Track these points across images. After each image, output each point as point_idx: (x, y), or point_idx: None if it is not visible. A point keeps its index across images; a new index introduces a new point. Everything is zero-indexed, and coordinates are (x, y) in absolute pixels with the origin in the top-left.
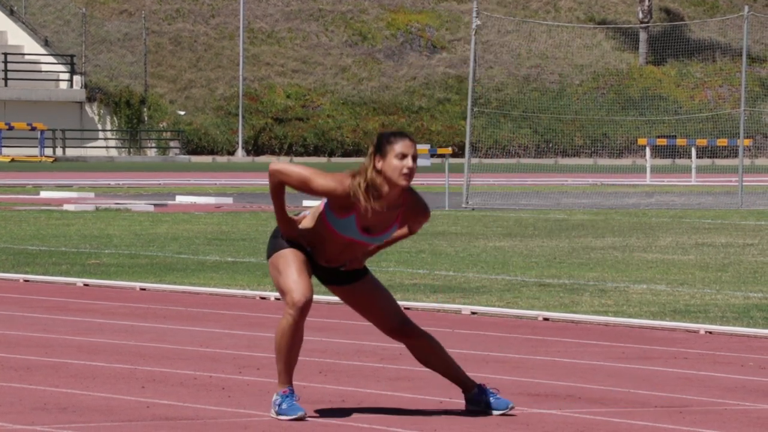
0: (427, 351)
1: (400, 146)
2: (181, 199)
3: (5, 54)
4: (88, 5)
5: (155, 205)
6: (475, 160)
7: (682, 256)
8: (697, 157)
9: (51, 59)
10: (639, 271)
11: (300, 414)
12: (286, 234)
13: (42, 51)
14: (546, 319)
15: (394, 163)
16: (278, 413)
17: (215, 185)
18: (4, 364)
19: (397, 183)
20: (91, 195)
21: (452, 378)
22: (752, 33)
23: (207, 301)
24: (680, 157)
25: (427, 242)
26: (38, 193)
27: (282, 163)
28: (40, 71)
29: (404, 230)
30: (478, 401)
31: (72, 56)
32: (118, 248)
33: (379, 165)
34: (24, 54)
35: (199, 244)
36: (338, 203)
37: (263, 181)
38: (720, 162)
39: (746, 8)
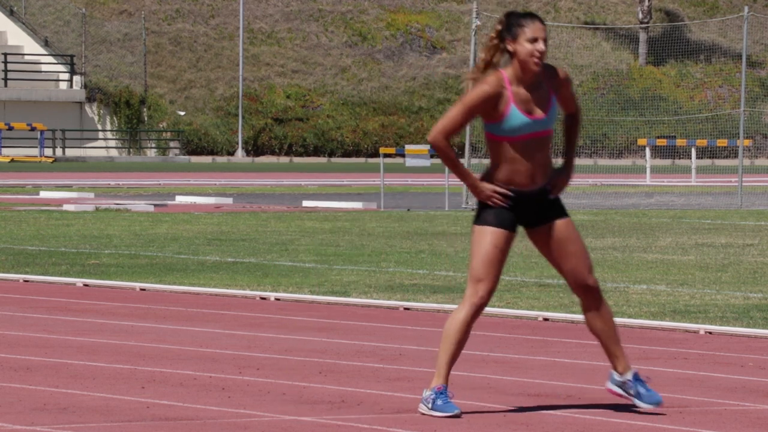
0: (600, 315)
1: (531, 30)
2: (181, 199)
3: (5, 54)
4: (88, 5)
5: (155, 205)
6: (475, 161)
7: (682, 256)
8: (696, 158)
9: (51, 59)
10: (639, 272)
11: (456, 412)
12: (484, 192)
13: (42, 51)
14: (546, 320)
15: (526, 47)
16: (432, 409)
17: (215, 185)
18: (4, 364)
19: (529, 68)
20: (91, 195)
21: (610, 351)
22: (752, 33)
23: (207, 301)
24: (680, 158)
25: (427, 242)
26: (38, 194)
27: (435, 128)
28: (40, 71)
29: (569, 106)
30: (627, 388)
31: (72, 56)
32: (117, 248)
33: (510, 47)
34: (24, 54)
35: (199, 245)
36: (493, 103)
37: (263, 181)
38: (720, 162)
39: (746, 9)
